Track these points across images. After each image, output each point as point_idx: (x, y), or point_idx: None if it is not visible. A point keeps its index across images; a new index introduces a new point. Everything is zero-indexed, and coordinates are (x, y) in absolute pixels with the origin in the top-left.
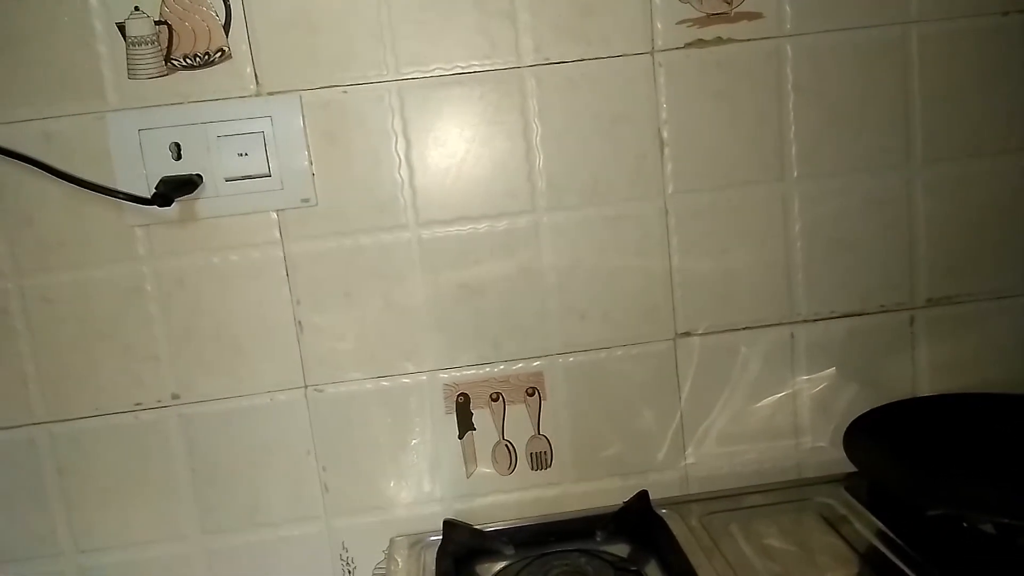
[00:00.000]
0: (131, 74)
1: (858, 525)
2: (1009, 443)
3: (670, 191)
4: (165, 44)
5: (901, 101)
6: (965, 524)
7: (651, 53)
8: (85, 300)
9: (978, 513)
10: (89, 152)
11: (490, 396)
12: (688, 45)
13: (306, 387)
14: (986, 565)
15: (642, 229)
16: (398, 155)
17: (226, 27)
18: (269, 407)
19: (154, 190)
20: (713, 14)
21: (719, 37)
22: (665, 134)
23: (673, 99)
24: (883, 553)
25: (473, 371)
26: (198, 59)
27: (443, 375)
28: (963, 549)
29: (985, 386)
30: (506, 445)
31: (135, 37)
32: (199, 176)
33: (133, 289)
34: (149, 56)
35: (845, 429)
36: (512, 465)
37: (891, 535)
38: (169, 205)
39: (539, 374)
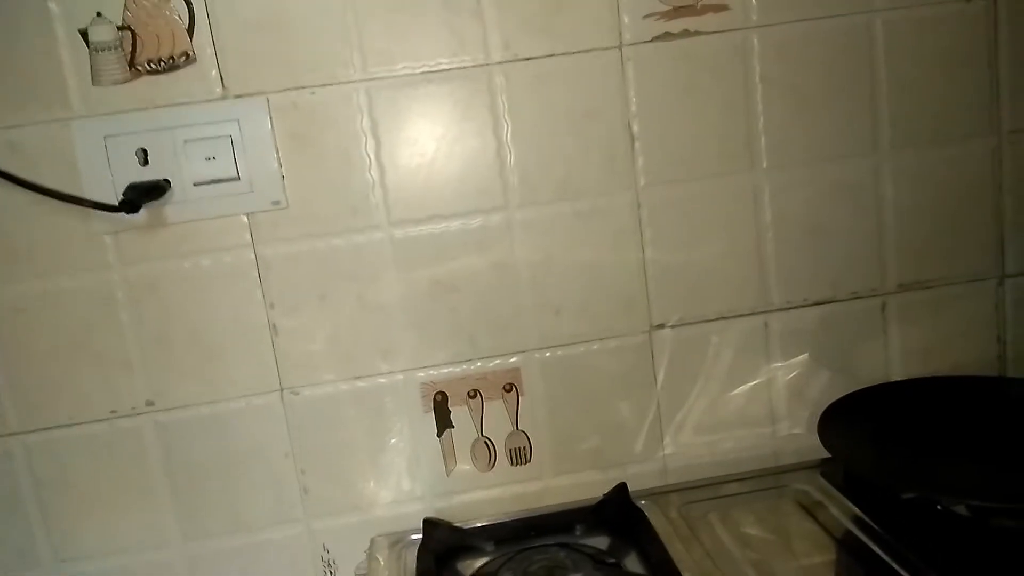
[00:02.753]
0: (95, 80)
1: (834, 510)
2: (981, 426)
3: (642, 184)
4: (129, 49)
5: (867, 89)
6: (939, 507)
7: (619, 47)
8: (56, 309)
9: (952, 496)
10: (55, 160)
11: (468, 393)
12: (655, 39)
13: (282, 390)
14: (961, 547)
15: (615, 223)
16: (368, 155)
17: (190, 30)
18: (245, 411)
19: (121, 197)
20: (679, 7)
21: (686, 30)
22: (635, 128)
23: (642, 93)
24: (859, 538)
25: (450, 369)
26: (163, 64)
27: (420, 374)
28: (938, 532)
29: (957, 369)
30: (485, 442)
31: (98, 43)
32: (167, 181)
33: (104, 297)
34: (113, 62)
35: (819, 415)
36: (492, 461)
37: (867, 520)
38: (137, 212)
39: (516, 370)
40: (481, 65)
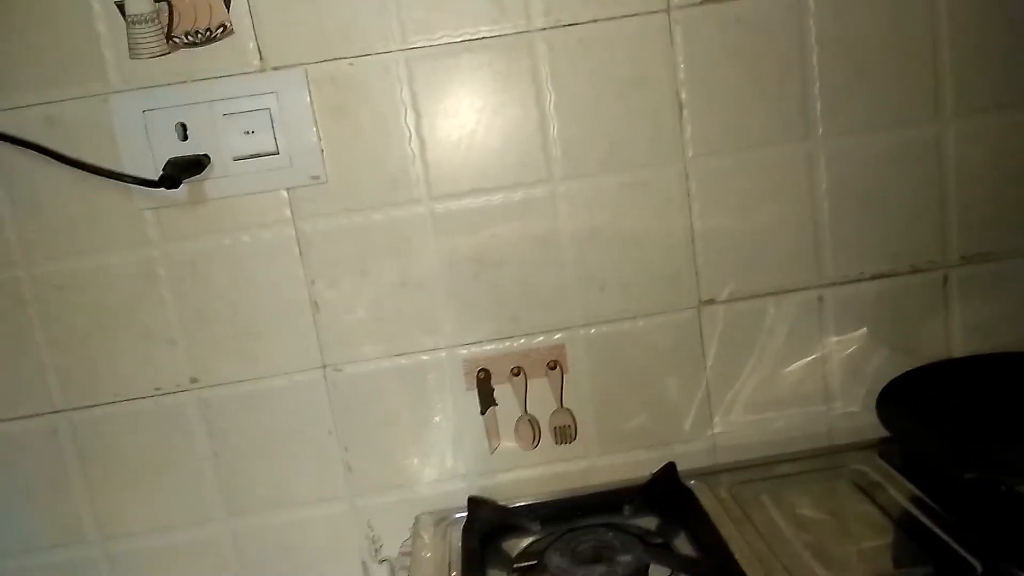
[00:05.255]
0: (132, 54)
1: (892, 491)
2: None
3: (690, 155)
4: (166, 22)
5: (930, 51)
6: (1002, 487)
7: (666, 11)
8: (98, 286)
9: (1015, 476)
10: (94, 135)
11: (511, 371)
12: (705, 1)
13: (324, 367)
14: None
15: (662, 195)
16: (408, 128)
17: (227, 2)
18: (288, 388)
19: (161, 172)
20: None
21: None
22: (683, 95)
23: (690, 59)
24: (919, 519)
25: (493, 346)
26: (200, 36)
27: (462, 351)
28: (1000, 513)
29: (1022, 345)
30: (529, 420)
31: (135, 15)
32: (206, 156)
33: (146, 273)
34: (150, 34)
35: (878, 394)
36: (536, 440)
37: (927, 500)
38: (177, 187)
39: (560, 347)
40: (523, 32)
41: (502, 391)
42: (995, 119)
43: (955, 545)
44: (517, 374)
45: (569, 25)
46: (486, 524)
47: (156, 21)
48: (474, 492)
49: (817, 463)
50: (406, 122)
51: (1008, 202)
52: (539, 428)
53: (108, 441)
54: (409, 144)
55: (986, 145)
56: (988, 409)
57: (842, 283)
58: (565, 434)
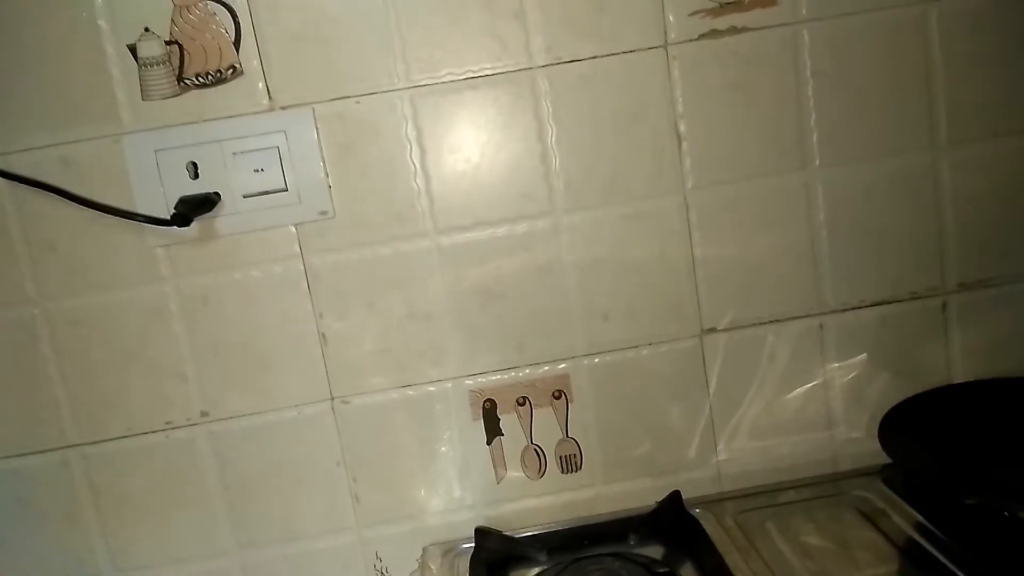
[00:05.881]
0: (145, 95)
1: (896, 518)
2: None
3: (690, 186)
4: (177, 64)
5: (923, 81)
6: (1006, 513)
7: (664, 47)
8: (111, 322)
9: (1018, 502)
10: (107, 175)
11: (516, 400)
12: (702, 36)
13: (332, 399)
14: None
15: (663, 225)
16: (413, 163)
17: (236, 43)
18: (297, 420)
19: (173, 210)
20: (726, 3)
21: (733, 26)
22: (682, 128)
23: (689, 92)
24: (923, 546)
25: (498, 376)
26: (210, 77)
27: (468, 381)
28: (1004, 539)
29: (1022, 370)
30: (535, 449)
31: (147, 58)
32: (217, 194)
33: (158, 309)
34: (162, 76)
35: (880, 419)
36: (542, 469)
37: (930, 527)
38: (188, 225)
39: (565, 376)
40: (524, 69)
41: (508, 421)
42: (989, 147)
43: (959, 572)
44: (523, 404)
45: (569, 62)
46: (493, 555)
47: (167, 63)
48: (481, 522)
49: (821, 490)
50: (411, 157)
51: (1004, 229)
52: (545, 457)
53: (120, 475)
54: (415, 179)
55: (981, 173)
56: (989, 434)
57: (842, 310)
58: (571, 463)
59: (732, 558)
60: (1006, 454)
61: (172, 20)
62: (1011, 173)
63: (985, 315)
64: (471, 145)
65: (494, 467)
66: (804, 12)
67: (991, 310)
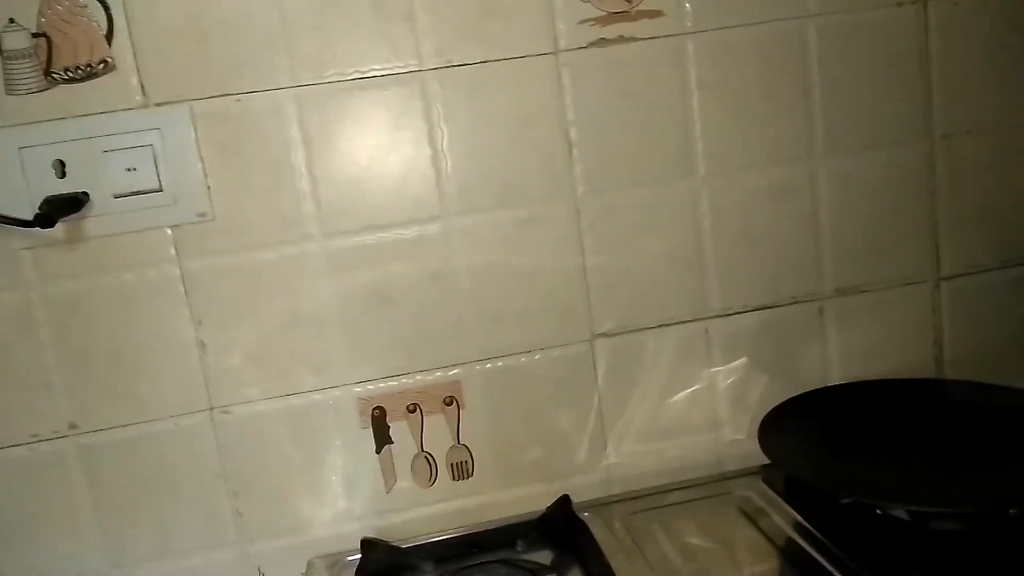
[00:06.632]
0: (9, 90)
1: (776, 517)
2: (919, 428)
3: (581, 191)
4: (44, 57)
5: (801, 94)
6: (878, 511)
7: (555, 53)
8: None
9: (890, 500)
10: None
11: (407, 408)
12: (591, 44)
13: (211, 409)
14: (900, 551)
15: (555, 231)
16: (299, 165)
17: (108, 37)
18: (173, 432)
19: (36, 211)
20: (614, 12)
21: (621, 36)
22: (573, 135)
23: (579, 99)
24: (800, 545)
25: (388, 383)
26: (80, 71)
27: (357, 389)
28: (877, 536)
29: (895, 372)
30: (426, 457)
31: (11, 51)
32: (85, 194)
33: (22, 315)
34: (27, 70)
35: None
36: (433, 477)
37: (807, 526)
38: (53, 226)
39: (457, 383)
40: (414, 71)
41: (398, 429)
42: (863, 158)
43: (834, 570)
44: (413, 411)
45: (460, 65)
46: (379, 566)
47: (34, 56)
48: (370, 533)
49: (706, 491)
50: (297, 159)
51: (878, 237)
52: (436, 465)
53: None
54: (300, 181)
55: (856, 182)
56: (864, 434)
57: (726, 315)
58: (462, 470)
59: (618, 561)
60: (878, 453)
61: (39, 11)
62: (884, 184)
63: (860, 319)
64: (360, 147)
65: (383, 476)
66: (689, 24)
67: (866, 315)
